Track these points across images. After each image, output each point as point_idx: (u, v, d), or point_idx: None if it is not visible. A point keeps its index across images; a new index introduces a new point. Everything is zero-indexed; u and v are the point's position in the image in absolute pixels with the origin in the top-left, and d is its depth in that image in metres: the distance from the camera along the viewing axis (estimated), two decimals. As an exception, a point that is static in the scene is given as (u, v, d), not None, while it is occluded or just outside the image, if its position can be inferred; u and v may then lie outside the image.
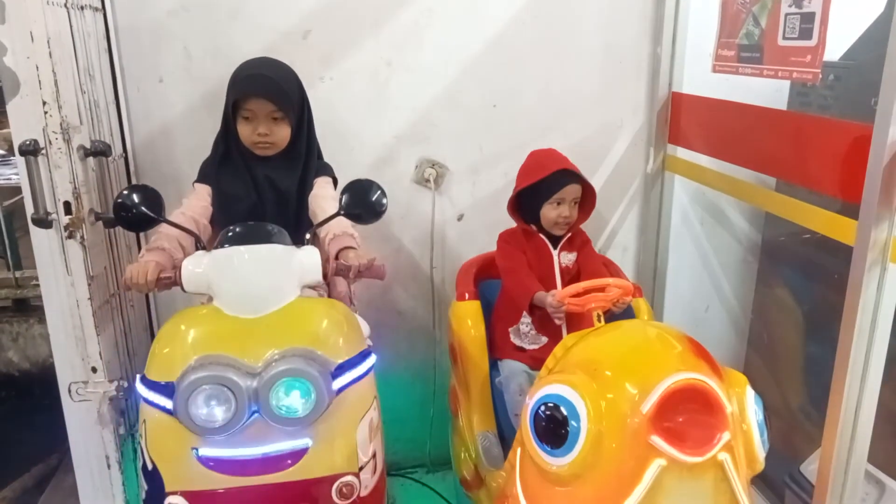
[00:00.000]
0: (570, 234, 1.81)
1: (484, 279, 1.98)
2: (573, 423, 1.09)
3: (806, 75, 1.56)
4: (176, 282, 1.37)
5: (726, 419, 1.04)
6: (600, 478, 1.08)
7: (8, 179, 3.65)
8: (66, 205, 1.46)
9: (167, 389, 1.25)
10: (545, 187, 1.73)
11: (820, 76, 1.52)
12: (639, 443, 1.04)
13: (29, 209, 1.48)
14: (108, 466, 1.66)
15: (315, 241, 1.50)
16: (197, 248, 1.43)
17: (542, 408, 1.14)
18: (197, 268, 1.35)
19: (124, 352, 1.75)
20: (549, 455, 1.13)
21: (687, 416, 1.03)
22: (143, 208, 1.39)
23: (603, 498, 1.08)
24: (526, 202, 1.78)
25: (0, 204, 2.92)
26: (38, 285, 1.58)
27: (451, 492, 2.24)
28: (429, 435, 2.30)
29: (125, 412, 1.68)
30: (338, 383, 1.30)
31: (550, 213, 1.75)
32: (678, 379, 1.03)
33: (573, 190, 1.74)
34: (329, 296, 1.77)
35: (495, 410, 1.81)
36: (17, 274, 2.99)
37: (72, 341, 1.58)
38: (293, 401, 1.24)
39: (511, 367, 1.78)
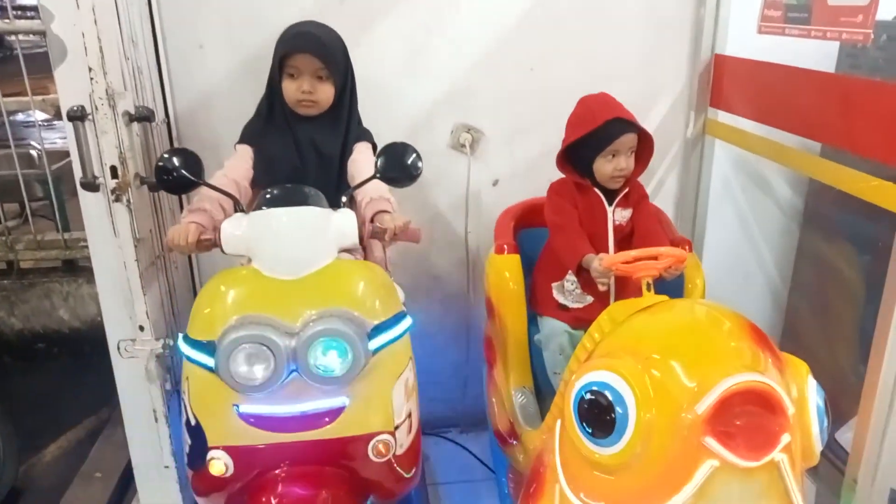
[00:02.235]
0: (626, 190, 1.70)
1: (524, 228, 1.92)
2: (619, 409, 1.05)
3: (857, 36, 1.50)
4: (216, 243, 1.40)
5: (787, 421, 0.99)
6: (647, 471, 1.04)
7: (53, 143, 3.75)
8: (113, 169, 1.51)
9: (209, 348, 1.27)
10: (597, 139, 1.61)
11: (871, 37, 1.47)
12: (691, 441, 0.99)
13: (77, 173, 1.53)
14: (156, 420, 1.73)
15: (352, 204, 1.51)
16: (236, 211, 1.44)
17: (587, 394, 1.10)
18: (236, 230, 1.37)
19: (169, 312, 1.81)
20: (595, 444, 1.09)
21: (745, 419, 0.98)
22: (183, 171, 1.39)
23: (649, 492, 1.04)
24: (578, 154, 1.66)
25: (48, 167, 2.99)
26: (85, 247, 1.64)
27: (483, 451, 2.28)
28: (462, 396, 2.34)
29: (171, 369, 1.75)
30: (374, 344, 1.31)
31: (605, 166, 1.63)
32: (739, 381, 0.97)
33: (629, 140, 1.61)
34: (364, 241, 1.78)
35: (532, 365, 1.79)
36: (66, 235, 3.08)
37: (120, 301, 1.65)
38: (330, 360, 1.26)
39: (552, 326, 1.74)
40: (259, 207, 1.38)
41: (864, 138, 1.54)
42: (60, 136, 3.81)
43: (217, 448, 1.31)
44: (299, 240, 1.35)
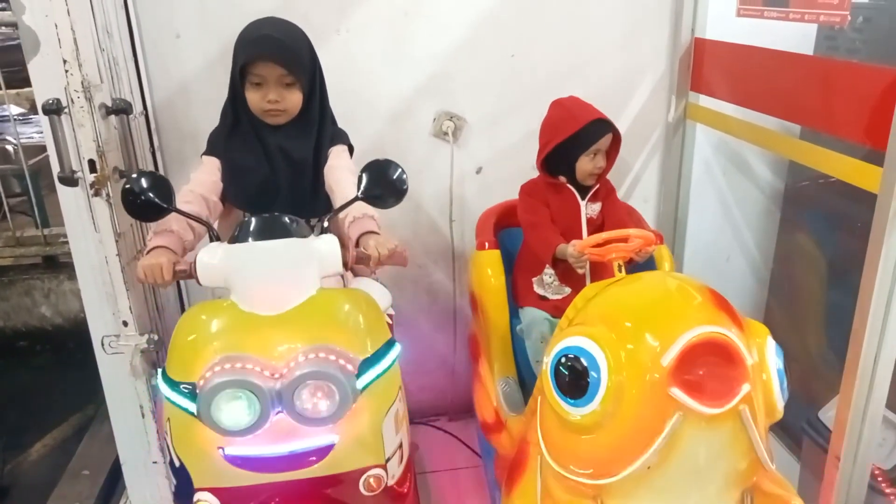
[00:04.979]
0: (598, 185, 1.79)
1: (504, 227, 1.97)
2: (593, 373, 1.10)
3: (834, 18, 1.51)
4: (191, 275, 1.31)
5: (746, 371, 1.03)
6: (620, 427, 1.09)
7: (30, 138, 3.69)
8: (91, 163, 1.49)
9: (189, 391, 1.23)
10: (581, 139, 1.69)
11: (849, 18, 1.47)
12: (659, 394, 1.04)
13: (55, 168, 1.51)
14: (143, 416, 1.72)
15: (334, 222, 1.44)
16: (210, 237, 1.37)
17: (563, 359, 1.14)
18: (212, 259, 1.29)
19: (153, 306, 1.79)
20: (569, 405, 1.13)
21: (707, 368, 1.02)
22: (151, 195, 1.31)
23: (622, 446, 1.09)
24: (556, 155, 1.74)
25: (25, 163, 2.94)
26: (66, 242, 1.61)
27: (472, 438, 2.29)
28: (450, 384, 2.35)
29: (157, 363, 1.73)
30: (362, 381, 1.26)
31: (587, 164, 1.72)
32: (699, 332, 1.02)
33: (608, 139, 1.72)
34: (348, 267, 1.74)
35: (515, 357, 1.84)
36: (45, 231, 3.04)
37: (102, 297, 1.63)
38: (318, 402, 1.21)
39: (533, 315, 1.79)
40: (237, 239, 1.29)
41: (843, 120, 1.55)
42: (37, 131, 3.74)
43: (203, 490, 1.27)
44: (280, 276, 1.28)
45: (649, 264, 1.72)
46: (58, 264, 3.10)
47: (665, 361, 1.03)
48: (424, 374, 2.24)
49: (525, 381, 1.81)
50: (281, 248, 1.27)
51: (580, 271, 1.65)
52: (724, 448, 1.07)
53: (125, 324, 1.63)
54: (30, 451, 2.49)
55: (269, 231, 1.28)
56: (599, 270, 1.66)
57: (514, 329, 1.85)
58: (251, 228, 1.29)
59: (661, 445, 1.04)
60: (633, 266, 1.59)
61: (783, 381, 1.15)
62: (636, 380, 1.07)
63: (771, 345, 1.16)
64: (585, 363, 1.11)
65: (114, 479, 2.15)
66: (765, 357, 1.13)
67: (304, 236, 1.31)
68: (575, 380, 1.12)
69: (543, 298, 1.81)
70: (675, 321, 1.08)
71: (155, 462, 1.78)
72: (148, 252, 1.39)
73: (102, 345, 1.67)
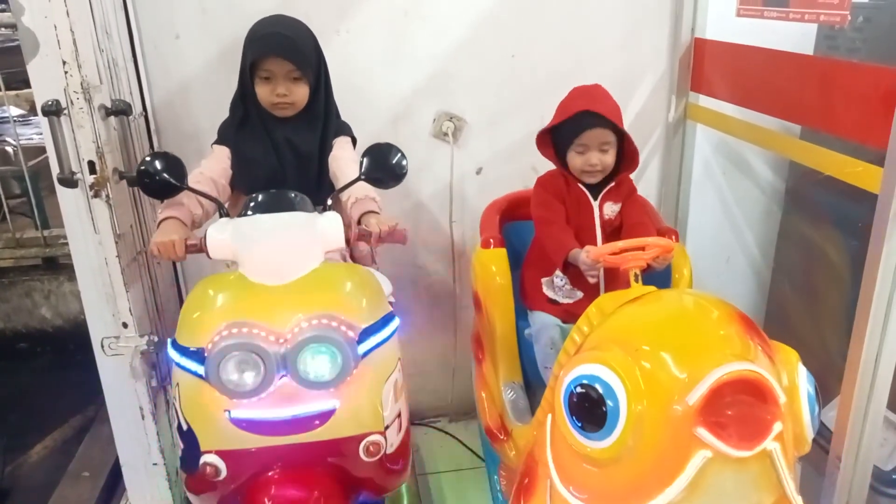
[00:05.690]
0: (612, 184, 1.68)
1: (510, 221, 1.92)
2: (609, 402, 1.04)
3: (834, 17, 1.51)
4: (201, 249, 1.39)
5: (779, 410, 0.98)
6: (639, 463, 1.04)
7: (30, 140, 3.69)
8: (91, 164, 1.48)
9: (198, 355, 1.27)
10: (567, 130, 1.61)
11: (849, 18, 1.47)
12: (683, 432, 0.98)
13: (54, 169, 1.51)
14: (143, 417, 1.72)
15: (337, 205, 1.49)
16: (220, 216, 1.43)
17: (577, 388, 1.08)
18: (221, 234, 1.36)
19: (153, 307, 1.79)
20: (586, 438, 1.08)
21: (737, 408, 0.96)
22: (165, 175, 1.40)
23: (642, 483, 1.03)
24: (556, 143, 1.66)
25: (24, 164, 2.94)
26: (65, 244, 1.61)
27: (472, 440, 2.29)
28: (451, 386, 2.35)
29: (157, 365, 1.73)
30: (363, 347, 1.31)
31: (575, 160, 1.62)
32: (730, 370, 0.96)
33: (598, 135, 1.59)
34: (351, 255, 1.77)
35: (521, 360, 1.78)
36: (45, 233, 3.04)
37: (102, 298, 1.63)
38: (320, 366, 1.26)
39: (543, 321, 1.71)
40: (244, 213, 1.38)
41: (843, 119, 1.55)
42: (37, 132, 3.74)
43: (210, 452, 1.31)
44: (285, 247, 1.35)
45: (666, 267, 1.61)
46: (58, 266, 3.09)
47: (691, 400, 0.97)
48: (425, 376, 2.24)
49: (532, 385, 1.76)
50: (286, 220, 1.36)
51: (591, 280, 1.58)
52: (751, 486, 1.01)
53: (125, 325, 1.63)
54: (30, 452, 2.49)
55: (275, 205, 1.38)
56: (613, 276, 1.58)
57: (521, 330, 1.78)
58: (258, 202, 1.38)
59: (683, 486, 0.98)
60: (650, 273, 1.48)
61: (814, 409, 1.10)
62: (658, 412, 1.01)
63: (802, 372, 1.10)
64: (601, 391, 1.05)
65: (114, 481, 2.15)
66: (796, 385, 1.08)
67: (308, 211, 1.39)
68: (590, 409, 1.06)
69: (553, 302, 1.73)
70: (703, 353, 1.02)
71: (155, 464, 1.78)
72: (159, 224, 1.47)
73: (102, 346, 1.67)
